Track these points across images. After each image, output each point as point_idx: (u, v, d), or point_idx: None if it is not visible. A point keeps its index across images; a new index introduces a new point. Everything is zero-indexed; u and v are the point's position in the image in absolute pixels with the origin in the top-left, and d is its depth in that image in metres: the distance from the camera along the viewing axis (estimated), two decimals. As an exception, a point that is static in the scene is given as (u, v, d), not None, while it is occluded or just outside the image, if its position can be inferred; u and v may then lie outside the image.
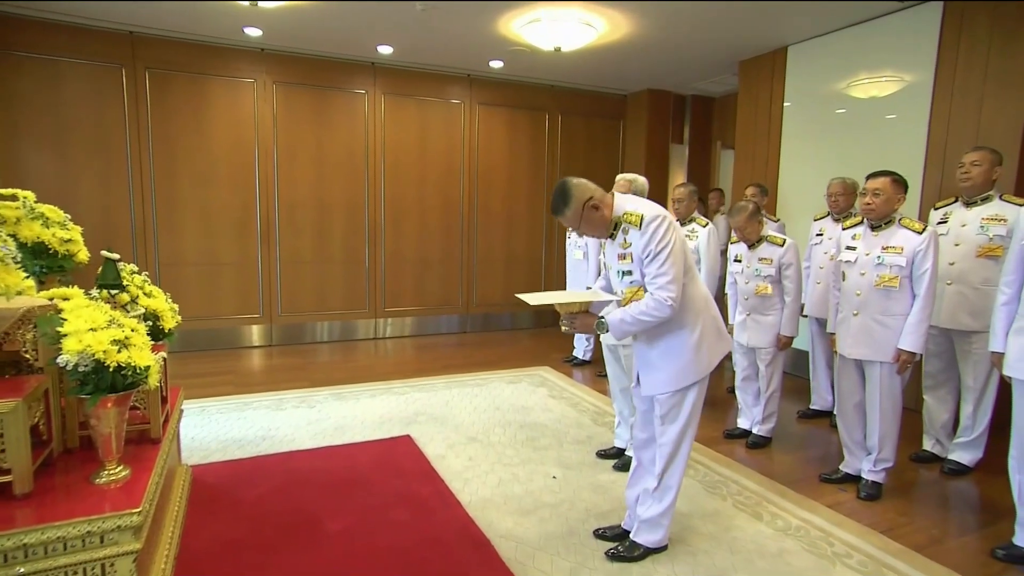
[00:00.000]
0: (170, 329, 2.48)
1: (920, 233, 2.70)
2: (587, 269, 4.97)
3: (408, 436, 3.57)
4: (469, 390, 4.57)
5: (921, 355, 2.81)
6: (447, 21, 4.81)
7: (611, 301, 2.28)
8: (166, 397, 2.40)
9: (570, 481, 3.03)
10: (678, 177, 7.31)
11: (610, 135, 7.38)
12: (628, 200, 2.17)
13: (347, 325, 6.35)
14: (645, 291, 2.11)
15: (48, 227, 2.14)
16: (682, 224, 4.19)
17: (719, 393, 4.70)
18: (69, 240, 2.20)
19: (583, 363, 5.45)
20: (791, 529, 2.60)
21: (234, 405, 4.10)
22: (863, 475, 2.98)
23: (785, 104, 5.27)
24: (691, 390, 2.22)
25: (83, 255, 2.31)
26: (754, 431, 3.61)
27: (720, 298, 4.85)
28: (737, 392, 3.73)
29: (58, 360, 1.58)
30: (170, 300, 2.56)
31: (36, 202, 2.18)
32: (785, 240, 3.38)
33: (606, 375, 3.36)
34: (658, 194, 6.53)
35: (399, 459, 3.25)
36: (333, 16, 4.74)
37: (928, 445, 3.40)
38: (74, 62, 5.03)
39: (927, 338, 2.77)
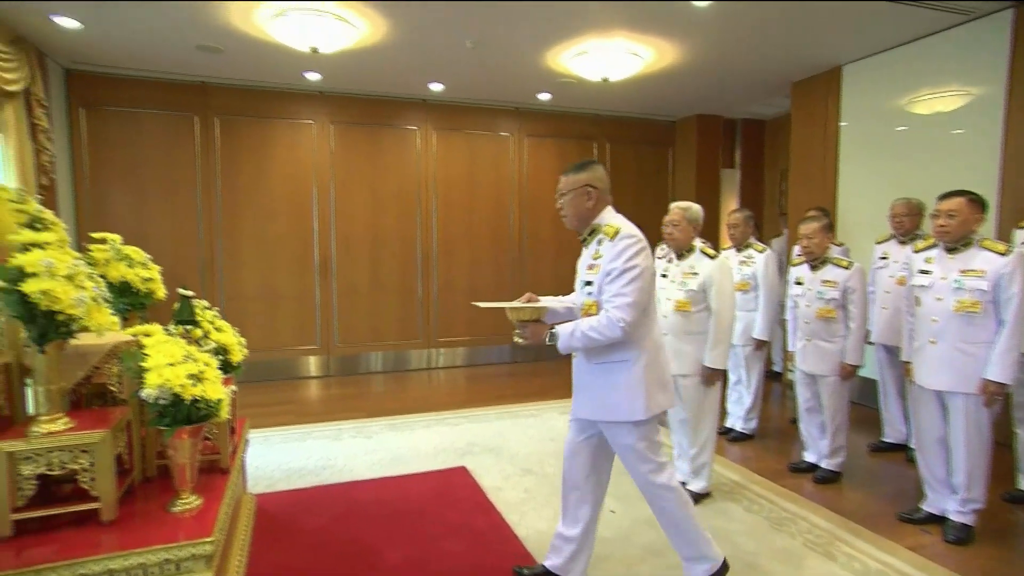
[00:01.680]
0: (238, 362, 2.58)
1: (1004, 255, 2.54)
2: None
3: (463, 467, 3.57)
4: (522, 420, 4.54)
5: (1011, 385, 2.61)
6: (496, 57, 4.94)
7: (571, 312, 2.27)
8: (234, 428, 2.49)
9: (628, 515, 2.94)
10: (730, 203, 7.18)
11: (660, 162, 7.33)
12: (615, 216, 2.18)
13: (400, 355, 6.45)
14: (599, 308, 2.08)
15: (132, 267, 2.29)
16: (738, 250, 4.09)
17: (781, 424, 4.49)
18: (150, 279, 2.35)
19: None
20: (870, 572, 2.43)
21: (295, 435, 4.21)
22: (949, 516, 2.76)
23: (841, 124, 5.11)
24: (630, 432, 2.08)
25: (161, 292, 2.46)
26: (822, 465, 3.42)
27: (780, 324, 4.74)
28: (800, 424, 3.56)
29: (141, 394, 1.67)
30: (237, 334, 2.68)
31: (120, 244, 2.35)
32: (851, 263, 3.24)
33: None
34: (711, 220, 6.42)
35: (455, 491, 3.24)
36: (387, 58, 4.95)
37: (1023, 484, 3.13)
38: (153, 113, 5.44)
39: (1017, 367, 2.57)
